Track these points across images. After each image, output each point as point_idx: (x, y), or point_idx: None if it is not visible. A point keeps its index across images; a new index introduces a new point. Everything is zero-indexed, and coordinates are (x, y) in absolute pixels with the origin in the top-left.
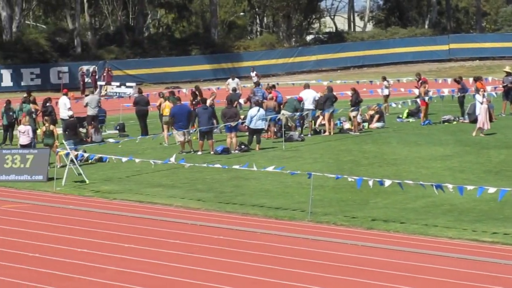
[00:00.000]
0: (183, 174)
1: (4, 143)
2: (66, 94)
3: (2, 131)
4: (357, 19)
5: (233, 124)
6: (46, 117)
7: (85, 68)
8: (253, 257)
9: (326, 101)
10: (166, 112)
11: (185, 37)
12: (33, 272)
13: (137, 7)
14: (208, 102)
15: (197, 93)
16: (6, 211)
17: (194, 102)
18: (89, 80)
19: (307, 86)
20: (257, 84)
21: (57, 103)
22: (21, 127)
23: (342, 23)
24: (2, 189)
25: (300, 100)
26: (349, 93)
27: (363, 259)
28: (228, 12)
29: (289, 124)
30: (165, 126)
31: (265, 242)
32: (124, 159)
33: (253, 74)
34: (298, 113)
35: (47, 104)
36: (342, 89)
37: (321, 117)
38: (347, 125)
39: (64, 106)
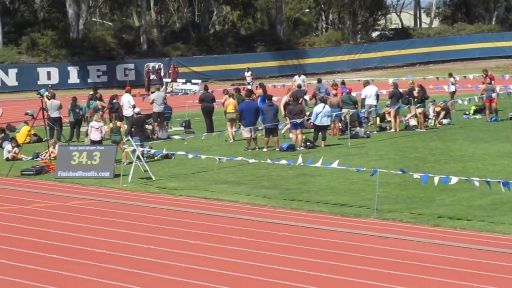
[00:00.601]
0: (249, 171)
1: (71, 139)
2: (129, 92)
3: (69, 128)
4: (423, 15)
5: (298, 120)
6: (113, 114)
7: (150, 65)
8: (319, 254)
9: (392, 98)
10: (230, 109)
11: (251, 34)
12: (100, 268)
13: (202, 4)
14: (285, 99)
15: (239, 89)
16: (73, 207)
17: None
18: (155, 77)
19: (367, 83)
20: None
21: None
22: (94, 123)
23: (408, 20)
24: (69, 186)
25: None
26: (416, 89)
27: (431, 256)
28: (293, 9)
29: (349, 120)
30: (229, 123)
31: (331, 239)
32: (190, 156)
33: (248, 74)
34: (354, 110)
35: (114, 101)
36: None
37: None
38: (413, 122)
39: (128, 104)
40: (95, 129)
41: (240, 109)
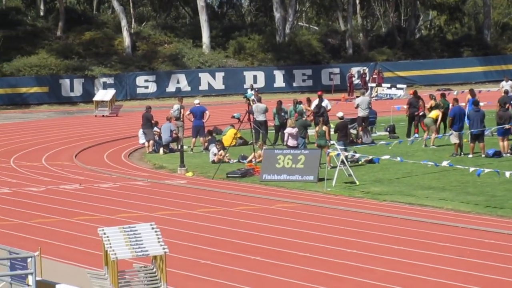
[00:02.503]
0: (454, 177)
1: (276, 143)
2: (320, 96)
3: (273, 131)
4: None
5: (507, 126)
6: (319, 118)
7: (353, 70)
8: None
9: None
10: (431, 115)
11: (457, 38)
12: (303, 271)
13: (409, 8)
14: None
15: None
16: (277, 210)
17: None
18: (359, 82)
19: None
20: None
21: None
22: (290, 129)
23: None
24: (274, 189)
25: None
26: None
27: None
28: (501, 14)
29: None
30: (426, 128)
31: None
32: (397, 159)
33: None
34: None
35: (322, 105)
36: None
37: None
38: None
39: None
40: (292, 135)
41: (452, 114)
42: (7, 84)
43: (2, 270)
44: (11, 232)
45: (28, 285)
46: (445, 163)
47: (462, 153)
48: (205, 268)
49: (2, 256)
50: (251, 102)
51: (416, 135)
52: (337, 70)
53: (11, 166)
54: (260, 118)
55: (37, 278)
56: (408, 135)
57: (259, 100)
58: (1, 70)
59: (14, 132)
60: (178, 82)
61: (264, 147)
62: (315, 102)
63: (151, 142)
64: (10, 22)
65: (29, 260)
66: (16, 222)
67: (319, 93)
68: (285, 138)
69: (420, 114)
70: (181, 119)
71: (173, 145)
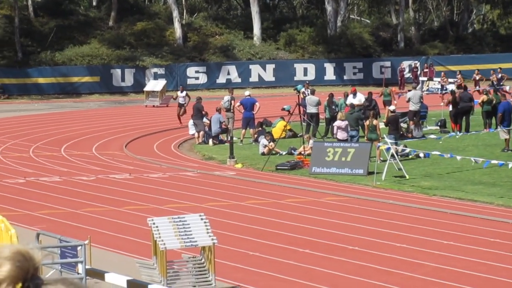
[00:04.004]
0: (505, 172)
1: (326, 136)
2: (354, 93)
3: (324, 124)
4: None
5: None
6: (370, 112)
7: (404, 64)
8: None
9: None
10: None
11: (510, 33)
12: (351, 265)
13: (461, 2)
14: None
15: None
16: (326, 203)
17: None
18: (410, 75)
19: None
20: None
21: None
22: (339, 122)
23: None
24: (323, 182)
25: None
26: None
27: None
28: None
29: None
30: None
31: None
32: (446, 155)
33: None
34: None
35: (372, 98)
36: None
37: None
38: None
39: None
40: (341, 128)
41: (502, 109)
42: (59, 73)
43: (52, 258)
44: (62, 220)
45: (78, 273)
46: (494, 161)
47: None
48: (253, 260)
49: (52, 245)
50: (301, 95)
51: (458, 132)
52: (388, 64)
53: (62, 155)
54: (312, 110)
55: (87, 267)
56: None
57: (312, 93)
58: (54, 59)
59: (65, 121)
60: (228, 74)
61: (312, 140)
62: (350, 97)
63: (201, 133)
64: (63, 12)
65: (79, 248)
66: (66, 210)
67: (353, 89)
68: (334, 131)
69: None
70: (231, 111)
71: (223, 136)
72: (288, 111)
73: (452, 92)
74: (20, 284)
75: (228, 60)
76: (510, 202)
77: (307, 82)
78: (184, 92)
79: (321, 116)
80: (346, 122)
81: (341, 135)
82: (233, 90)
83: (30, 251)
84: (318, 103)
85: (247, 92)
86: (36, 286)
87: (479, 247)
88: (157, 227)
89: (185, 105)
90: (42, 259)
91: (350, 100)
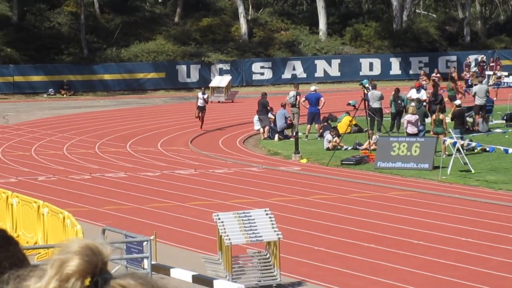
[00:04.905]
0: None
1: (391, 130)
2: (418, 88)
3: (390, 119)
4: None
5: None
6: (437, 106)
7: (471, 58)
8: None
9: None
10: None
11: None
12: (417, 259)
13: None
14: None
15: None
16: (392, 198)
17: None
18: (476, 70)
19: None
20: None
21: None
22: (410, 116)
23: None
24: (388, 176)
25: None
26: None
27: None
28: None
29: None
30: None
31: None
32: (510, 150)
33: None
34: None
35: (438, 93)
36: None
37: None
38: None
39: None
40: (412, 122)
41: None
42: (125, 69)
43: (117, 254)
44: (127, 216)
45: (144, 269)
46: None
47: None
48: (319, 255)
49: (118, 240)
50: (365, 90)
51: None
52: (454, 58)
53: (128, 151)
54: (375, 105)
55: (152, 262)
56: None
57: (374, 87)
58: (119, 56)
59: (130, 117)
60: (294, 69)
61: (375, 135)
62: (413, 91)
63: (266, 128)
64: (128, 8)
65: (144, 244)
66: (132, 206)
67: (417, 85)
68: (405, 125)
69: None
70: (297, 106)
71: (288, 132)
72: (354, 106)
73: None
74: (89, 279)
75: (294, 56)
76: None
77: (371, 78)
78: (206, 94)
79: (386, 111)
80: (417, 117)
81: (411, 129)
82: (299, 85)
83: (99, 246)
84: (381, 98)
85: (312, 87)
86: (105, 280)
87: None
88: (222, 222)
89: (205, 108)
90: (110, 253)
91: (413, 94)
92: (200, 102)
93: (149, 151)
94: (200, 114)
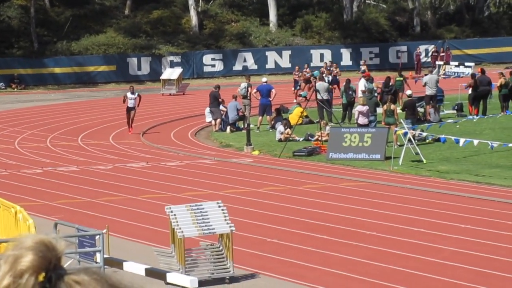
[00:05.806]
0: None
1: (343, 121)
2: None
3: (341, 110)
4: None
5: None
6: (388, 96)
7: (421, 48)
8: None
9: None
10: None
11: None
12: (368, 250)
13: None
14: None
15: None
16: (344, 189)
17: None
18: (428, 60)
19: None
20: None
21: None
22: (361, 107)
23: None
24: (340, 167)
25: None
26: None
27: None
28: None
29: None
30: None
31: None
32: (461, 141)
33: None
34: None
35: (390, 83)
36: None
37: None
38: None
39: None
40: (363, 113)
41: None
42: (76, 62)
43: (70, 248)
44: (79, 210)
45: (96, 262)
46: (511, 145)
47: None
48: (271, 247)
49: (70, 234)
50: (317, 81)
51: (476, 116)
52: (404, 48)
53: (79, 144)
54: (324, 96)
55: (105, 256)
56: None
57: (322, 79)
58: (70, 49)
59: (82, 110)
60: (245, 61)
61: (328, 126)
62: (362, 82)
63: (218, 120)
64: (78, 1)
65: (97, 237)
66: (84, 200)
67: (367, 74)
68: (356, 116)
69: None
70: (248, 97)
71: (240, 124)
72: (305, 97)
73: (473, 75)
74: (43, 274)
75: (244, 47)
76: None
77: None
78: (136, 94)
79: (338, 102)
80: (367, 107)
81: (362, 120)
82: (250, 77)
83: (53, 241)
84: (328, 89)
85: (264, 79)
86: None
87: (497, 231)
88: (174, 215)
89: (135, 108)
90: (64, 249)
91: (363, 85)
92: (130, 103)
93: (101, 144)
94: (129, 116)
